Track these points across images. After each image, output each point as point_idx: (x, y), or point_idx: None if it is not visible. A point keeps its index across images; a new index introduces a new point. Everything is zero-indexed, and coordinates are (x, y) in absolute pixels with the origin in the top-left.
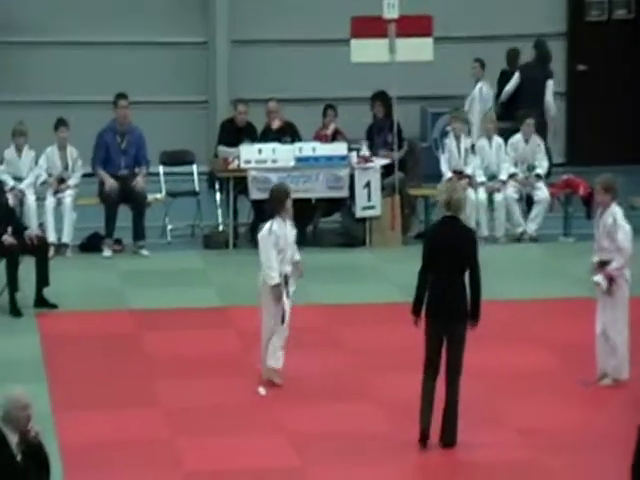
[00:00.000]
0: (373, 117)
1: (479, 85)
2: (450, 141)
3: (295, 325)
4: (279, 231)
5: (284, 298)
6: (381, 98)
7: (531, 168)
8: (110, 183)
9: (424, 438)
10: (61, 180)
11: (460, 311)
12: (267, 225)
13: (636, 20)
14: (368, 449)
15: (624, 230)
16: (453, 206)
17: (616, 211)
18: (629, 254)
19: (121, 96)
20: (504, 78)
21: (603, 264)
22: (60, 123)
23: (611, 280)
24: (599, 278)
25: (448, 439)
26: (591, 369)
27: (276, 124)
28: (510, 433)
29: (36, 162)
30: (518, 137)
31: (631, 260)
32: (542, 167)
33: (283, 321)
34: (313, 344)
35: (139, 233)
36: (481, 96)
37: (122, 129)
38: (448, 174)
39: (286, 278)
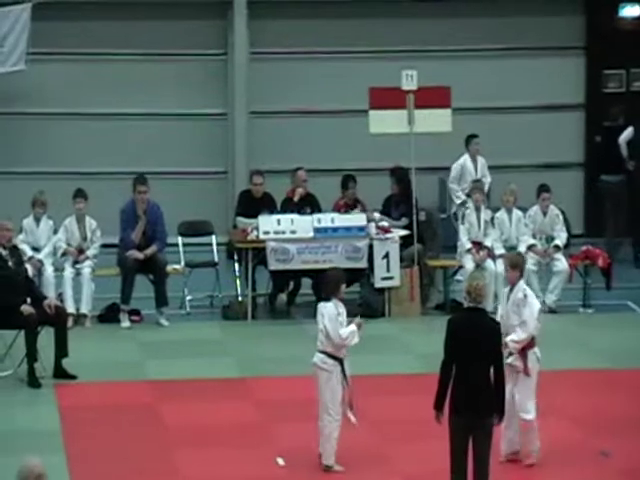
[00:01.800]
0: (391, 191)
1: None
2: (470, 212)
3: (314, 396)
4: (342, 313)
5: (346, 382)
6: (396, 175)
7: (550, 239)
8: (133, 253)
9: None
10: (80, 251)
11: (486, 406)
12: (332, 308)
13: None
14: None
15: (532, 307)
16: (473, 294)
17: (525, 287)
18: (533, 331)
19: (140, 181)
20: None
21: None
22: (77, 194)
23: (524, 357)
24: (512, 359)
25: None
26: (611, 440)
27: (299, 195)
28: None
29: (55, 232)
30: (536, 209)
31: (539, 338)
32: (561, 238)
33: (351, 407)
34: None
35: (161, 300)
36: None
37: (141, 209)
38: (467, 245)
39: (342, 362)
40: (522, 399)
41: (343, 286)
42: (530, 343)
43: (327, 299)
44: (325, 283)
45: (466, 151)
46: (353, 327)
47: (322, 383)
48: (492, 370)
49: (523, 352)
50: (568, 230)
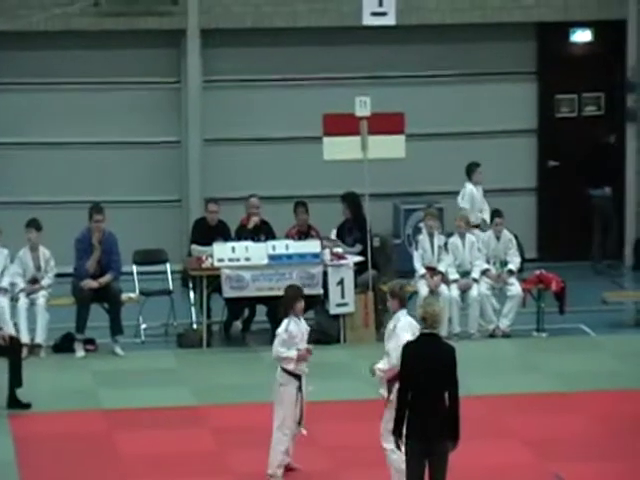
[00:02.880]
0: (344, 217)
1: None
2: (423, 238)
3: (270, 423)
4: (295, 329)
5: (301, 397)
6: (347, 201)
7: (503, 264)
8: (88, 282)
9: None
10: (34, 281)
11: (442, 431)
12: (283, 324)
13: (605, 117)
14: None
15: (398, 339)
16: (430, 320)
17: (400, 318)
18: (395, 363)
19: (96, 210)
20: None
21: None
22: (29, 224)
23: (389, 387)
24: (381, 390)
25: None
26: (565, 463)
27: (253, 222)
28: None
29: (11, 260)
30: (489, 234)
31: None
32: (514, 263)
33: (300, 422)
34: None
35: (116, 329)
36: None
37: (97, 238)
38: (421, 271)
39: (300, 378)
40: (384, 428)
41: (300, 303)
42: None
43: (286, 316)
44: (282, 301)
45: (467, 179)
46: (293, 353)
47: (278, 397)
48: (446, 395)
49: (390, 382)
50: (522, 254)
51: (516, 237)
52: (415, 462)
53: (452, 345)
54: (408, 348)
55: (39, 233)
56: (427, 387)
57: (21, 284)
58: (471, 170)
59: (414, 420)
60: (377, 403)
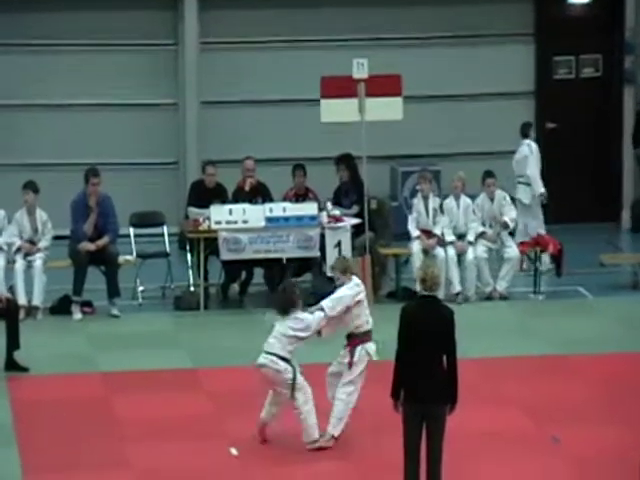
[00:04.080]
0: (340, 180)
1: (527, 142)
2: (418, 201)
3: (263, 386)
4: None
5: None
6: (345, 161)
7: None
8: (85, 245)
9: None
10: (31, 243)
11: (440, 394)
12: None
13: (603, 78)
14: None
15: (336, 296)
16: (429, 282)
17: (346, 283)
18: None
19: (93, 172)
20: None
21: (349, 336)
22: (26, 186)
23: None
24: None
25: None
26: (563, 427)
27: (249, 184)
28: None
29: (9, 221)
30: (483, 196)
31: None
32: (510, 216)
33: None
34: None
35: (113, 292)
36: (532, 152)
37: (93, 201)
38: (415, 233)
39: None
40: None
41: (299, 301)
42: (363, 339)
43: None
44: (281, 300)
45: (525, 137)
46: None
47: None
48: (445, 358)
49: (351, 347)
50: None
51: (512, 199)
52: (412, 425)
53: (451, 308)
54: (407, 310)
55: (36, 195)
56: (425, 350)
57: (18, 242)
58: (527, 128)
59: (412, 383)
60: (375, 366)
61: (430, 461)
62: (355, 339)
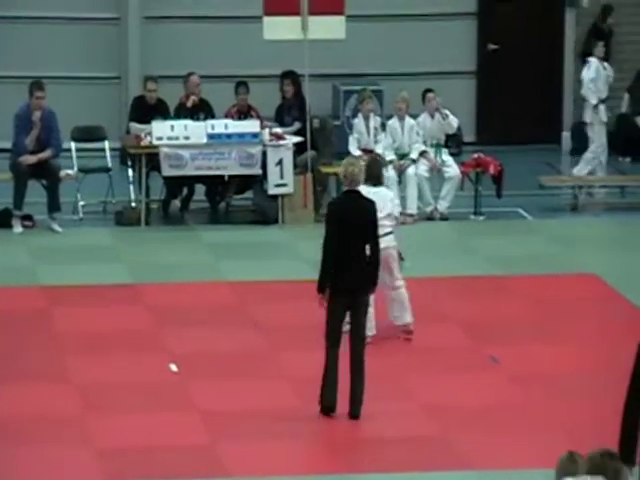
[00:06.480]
0: (282, 97)
1: (595, 64)
2: (359, 121)
3: (207, 302)
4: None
5: None
6: (290, 77)
7: (439, 145)
8: (27, 158)
9: (332, 410)
10: None
11: (366, 280)
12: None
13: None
14: (277, 425)
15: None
16: (350, 178)
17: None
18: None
19: (37, 86)
20: None
21: None
22: None
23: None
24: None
25: (355, 411)
26: (500, 346)
27: (192, 101)
28: (417, 408)
29: None
30: (424, 116)
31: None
32: (452, 127)
33: None
34: (224, 321)
35: (54, 206)
36: (599, 75)
37: (37, 115)
38: (356, 153)
39: None
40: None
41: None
42: None
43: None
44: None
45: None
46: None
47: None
48: (369, 245)
49: None
50: (460, 138)
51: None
52: (337, 314)
53: (372, 200)
54: (332, 205)
55: None
56: (351, 241)
57: None
58: (594, 45)
59: (339, 273)
60: (313, 284)
61: (354, 340)
62: None
